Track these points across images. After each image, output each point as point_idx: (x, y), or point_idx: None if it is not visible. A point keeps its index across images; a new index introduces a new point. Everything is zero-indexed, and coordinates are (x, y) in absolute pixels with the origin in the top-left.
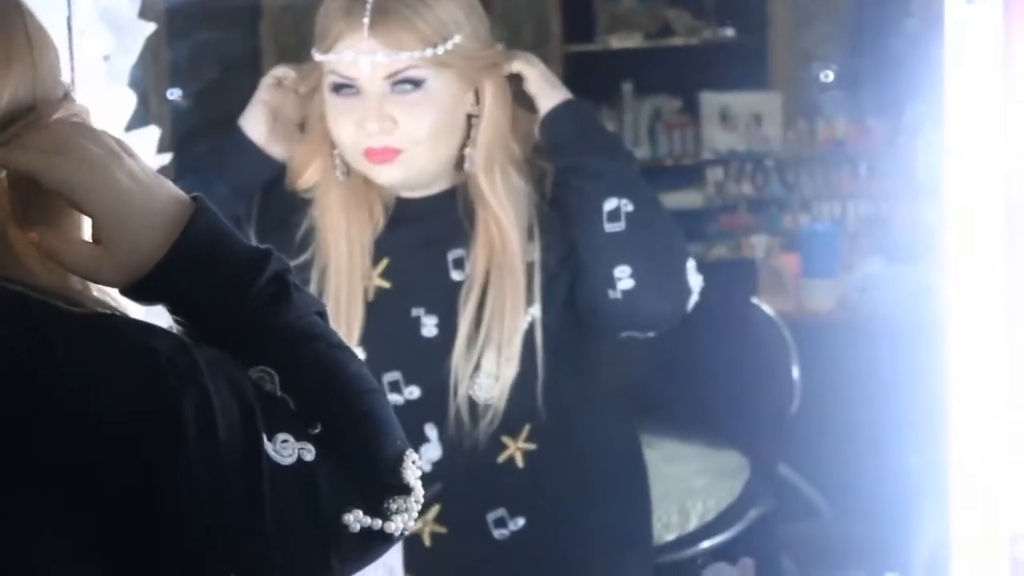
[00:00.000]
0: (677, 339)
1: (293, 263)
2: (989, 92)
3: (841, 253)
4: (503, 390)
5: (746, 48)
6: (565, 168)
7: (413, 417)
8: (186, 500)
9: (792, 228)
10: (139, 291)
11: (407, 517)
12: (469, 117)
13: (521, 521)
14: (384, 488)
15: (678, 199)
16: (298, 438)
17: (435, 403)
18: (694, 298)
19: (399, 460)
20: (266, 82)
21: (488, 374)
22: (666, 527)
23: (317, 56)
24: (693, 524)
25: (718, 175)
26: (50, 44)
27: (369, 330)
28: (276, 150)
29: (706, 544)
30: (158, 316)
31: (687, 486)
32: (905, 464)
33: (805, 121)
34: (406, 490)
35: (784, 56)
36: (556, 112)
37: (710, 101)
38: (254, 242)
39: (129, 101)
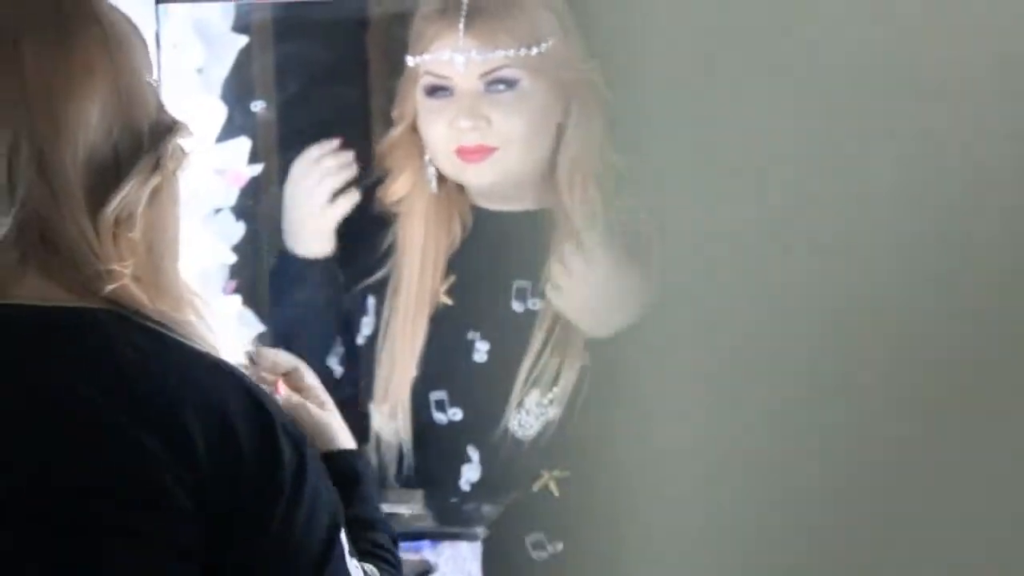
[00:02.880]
0: None
1: (371, 279)
2: None
3: None
4: (542, 428)
5: None
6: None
7: (456, 437)
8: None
9: None
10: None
11: None
12: (559, 128)
13: (560, 545)
14: None
15: None
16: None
17: (478, 427)
18: None
19: None
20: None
21: (529, 412)
22: None
23: (412, 60)
24: None
25: None
26: (139, 52)
27: (426, 346)
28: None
29: None
30: None
31: None
32: None
33: None
34: None
35: None
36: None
37: None
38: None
39: (220, 113)
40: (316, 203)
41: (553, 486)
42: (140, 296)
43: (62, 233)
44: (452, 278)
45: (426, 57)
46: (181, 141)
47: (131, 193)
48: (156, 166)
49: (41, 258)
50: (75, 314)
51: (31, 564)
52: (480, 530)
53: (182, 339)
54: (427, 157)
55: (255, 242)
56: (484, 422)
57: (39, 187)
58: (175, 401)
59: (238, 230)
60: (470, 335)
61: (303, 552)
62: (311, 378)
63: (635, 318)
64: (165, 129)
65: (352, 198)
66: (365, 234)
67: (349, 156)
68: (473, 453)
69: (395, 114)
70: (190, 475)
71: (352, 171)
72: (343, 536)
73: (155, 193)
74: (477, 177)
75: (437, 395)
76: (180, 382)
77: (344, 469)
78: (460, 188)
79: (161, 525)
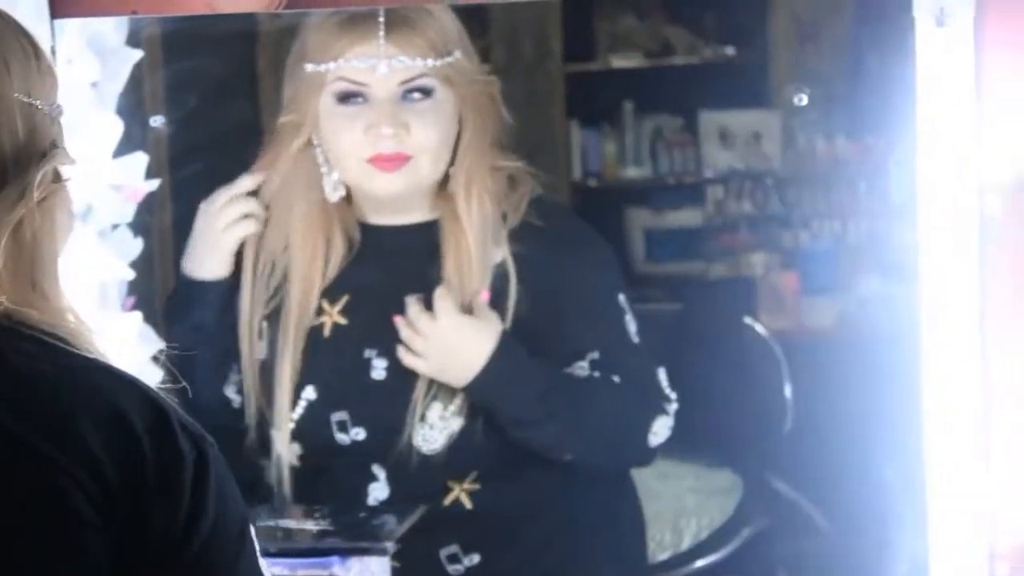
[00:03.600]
0: (669, 358)
1: (268, 308)
2: (961, 112)
3: (840, 271)
4: (447, 441)
5: (746, 67)
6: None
7: (360, 457)
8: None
9: (792, 246)
10: None
11: None
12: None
13: (476, 558)
14: None
15: (678, 218)
16: None
17: (381, 445)
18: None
19: None
20: (228, 217)
21: (433, 426)
22: (659, 546)
23: (316, 67)
24: (687, 543)
25: (718, 193)
26: (27, 69)
27: (322, 367)
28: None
29: (700, 563)
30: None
31: (680, 505)
32: (903, 480)
33: (805, 139)
34: None
35: (784, 74)
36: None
37: (709, 120)
38: None
39: (116, 128)
40: (216, 226)
41: (465, 498)
42: (24, 312)
43: None
44: (345, 297)
45: (340, 63)
46: (57, 167)
47: None
48: (21, 196)
49: None
50: None
51: None
52: (389, 545)
53: (71, 348)
54: (324, 168)
55: (152, 258)
56: (388, 440)
57: None
58: (70, 405)
59: (136, 246)
60: (367, 353)
61: (214, 551)
62: None
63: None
64: (34, 156)
65: (251, 226)
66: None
67: (255, 203)
68: (379, 471)
69: (287, 122)
70: (93, 482)
71: (257, 209)
72: (253, 534)
73: (21, 224)
74: (387, 186)
75: (338, 416)
76: (72, 385)
77: None
78: (346, 202)
79: (66, 535)
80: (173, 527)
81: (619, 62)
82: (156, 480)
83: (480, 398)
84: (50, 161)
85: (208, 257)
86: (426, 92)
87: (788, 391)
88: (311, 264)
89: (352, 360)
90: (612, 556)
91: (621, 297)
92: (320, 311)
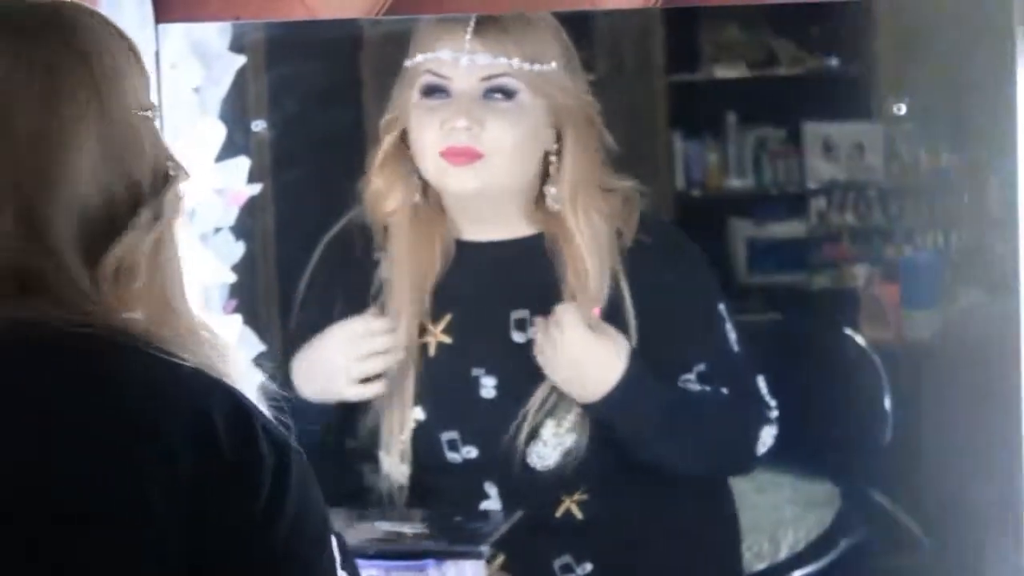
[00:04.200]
0: (769, 369)
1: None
2: None
3: (942, 283)
4: (561, 458)
5: (849, 78)
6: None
7: (472, 475)
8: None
9: (894, 258)
10: None
11: None
12: (546, 156)
13: (589, 566)
14: None
15: (782, 229)
16: None
17: (493, 463)
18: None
19: None
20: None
21: (547, 443)
22: (757, 556)
23: (410, 61)
24: (784, 554)
25: (821, 205)
26: (132, 85)
27: (430, 387)
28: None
29: (797, 574)
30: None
31: (778, 516)
32: (1001, 494)
33: (907, 151)
34: None
35: (887, 86)
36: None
37: (813, 131)
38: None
39: (219, 133)
40: (346, 376)
41: (575, 509)
42: (157, 331)
43: (52, 285)
44: (448, 316)
45: (428, 55)
46: (180, 186)
47: (131, 245)
48: (157, 216)
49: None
50: (65, 334)
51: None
52: (485, 549)
53: (168, 356)
54: (415, 173)
55: (254, 262)
56: (500, 457)
57: (28, 241)
58: (159, 408)
59: (238, 249)
60: (475, 372)
61: (291, 554)
62: None
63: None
64: (164, 176)
65: (378, 388)
66: (352, 266)
67: (391, 340)
68: (491, 488)
69: (387, 120)
70: (169, 478)
71: (391, 354)
72: (334, 546)
73: (158, 244)
74: (459, 182)
75: (449, 435)
76: (165, 391)
77: None
78: (441, 212)
79: (147, 536)
80: (247, 525)
81: (723, 72)
82: (232, 478)
83: (607, 416)
84: (176, 180)
85: (330, 382)
86: (508, 93)
87: (888, 403)
88: (419, 285)
89: (460, 379)
90: (710, 565)
91: (722, 307)
92: (423, 331)
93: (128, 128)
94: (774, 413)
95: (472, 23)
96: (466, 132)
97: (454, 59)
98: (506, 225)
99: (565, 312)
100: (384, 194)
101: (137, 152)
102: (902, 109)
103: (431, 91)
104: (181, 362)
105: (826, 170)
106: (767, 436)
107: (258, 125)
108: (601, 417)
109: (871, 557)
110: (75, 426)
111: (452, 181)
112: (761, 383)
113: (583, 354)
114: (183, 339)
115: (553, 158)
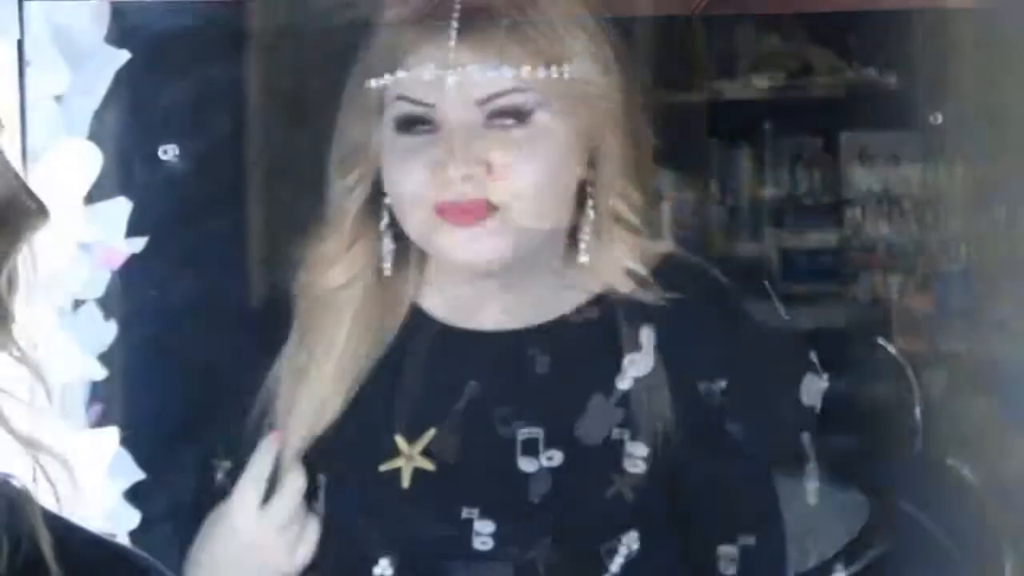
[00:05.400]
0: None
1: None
2: None
3: (976, 295)
4: None
5: (887, 88)
6: None
7: None
8: None
9: (928, 269)
10: None
11: None
12: (582, 186)
13: None
14: None
15: (816, 239)
16: None
17: None
18: None
19: None
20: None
21: None
22: None
23: (377, 81)
24: (812, 561)
25: (856, 215)
26: None
27: (402, 531)
28: None
29: None
30: None
31: (806, 524)
32: None
33: (944, 162)
34: None
35: (926, 96)
36: None
37: (850, 141)
38: None
39: (92, 159)
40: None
41: None
42: None
43: None
44: (431, 432)
45: (400, 75)
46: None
47: None
48: None
49: None
50: None
51: None
52: None
53: None
54: (384, 222)
55: (131, 351)
56: None
57: None
58: None
59: (108, 332)
60: (466, 513)
61: None
62: None
63: None
64: (12, 211)
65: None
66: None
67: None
68: None
69: (341, 157)
70: None
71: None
72: None
73: None
74: (470, 249)
75: None
76: None
77: None
78: (411, 286)
79: None
80: None
81: (760, 82)
82: None
83: None
84: (28, 227)
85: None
86: (520, 115)
87: (918, 413)
88: (336, 362)
89: (446, 523)
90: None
91: (766, 284)
92: (394, 452)
93: None
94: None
95: (455, 26)
96: (466, 182)
97: (436, 79)
98: (520, 308)
99: None
100: (333, 261)
101: None
102: (939, 119)
103: (409, 124)
104: None
105: (862, 179)
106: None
107: (167, 151)
108: None
109: (900, 566)
110: None
111: (458, 249)
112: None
113: None
114: None
115: (590, 188)
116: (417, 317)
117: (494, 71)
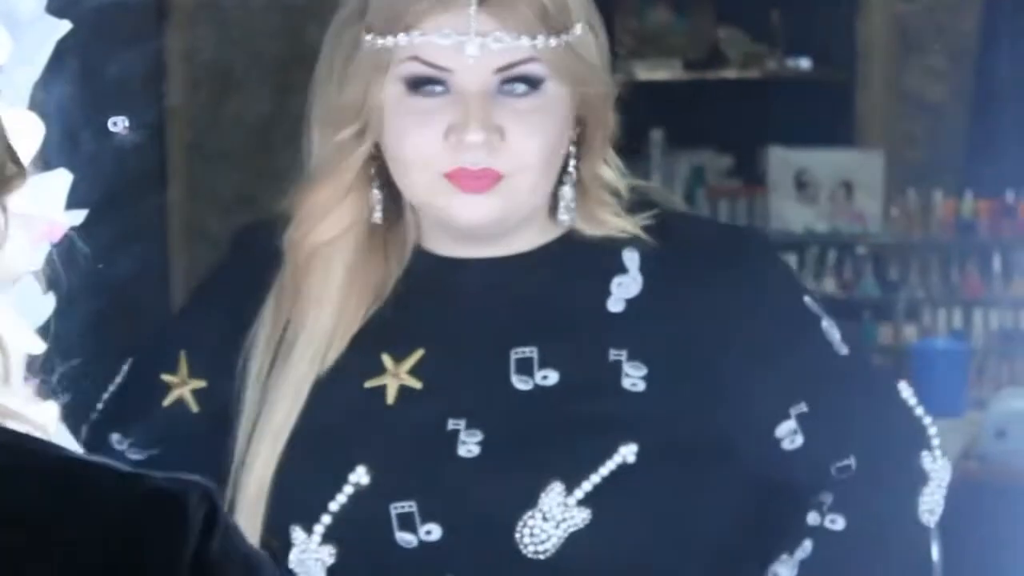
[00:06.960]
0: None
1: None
2: None
3: (968, 381)
4: (562, 541)
5: (829, 86)
6: None
7: (430, 565)
8: None
9: (894, 344)
10: None
11: None
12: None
13: None
14: None
15: None
16: None
17: (461, 550)
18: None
19: None
20: None
21: (547, 516)
22: None
23: (381, 41)
24: None
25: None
26: None
27: (381, 442)
28: None
29: None
30: None
31: None
32: None
33: (916, 193)
34: None
35: (883, 99)
36: None
37: (780, 161)
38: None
39: (34, 130)
40: None
41: None
42: None
43: None
44: (420, 352)
45: (415, 36)
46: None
47: None
48: None
49: None
50: None
51: None
52: None
53: None
54: (375, 190)
55: (71, 323)
56: (476, 539)
57: None
58: None
59: (46, 305)
60: (452, 424)
61: None
62: None
63: None
64: None
65: None
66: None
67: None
68: None
69: (340, 105)
70: None
71: None
72: None
73: None
74: (470, 213)
75: (401, 507)
76: None
77: None
78: (405, 227)
79: None
80: None
81: (646, 73)
82: None
83: None
84: (5, 188)
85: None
86: (532, 83)
87: None
88: (349, 301)
89: (429, 433)
90: None
91: (808, 299)
92: (380, 369)
93: None
94: (934, 439)
95: None
96: (482, 148)
97: (457, 45)
98: (506, 241)
99: None
100: (323, 214)
101: None
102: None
103: (421, 84)
104: None
105: (797, 215)
106: (931, 494)
107: (117, 123)
108: None
109: None
110: None
111: (460, 212)
112: (905, 392)
113: None
114: None
115: (572, 147)
116: (414, 254)
117: (514, 39)
